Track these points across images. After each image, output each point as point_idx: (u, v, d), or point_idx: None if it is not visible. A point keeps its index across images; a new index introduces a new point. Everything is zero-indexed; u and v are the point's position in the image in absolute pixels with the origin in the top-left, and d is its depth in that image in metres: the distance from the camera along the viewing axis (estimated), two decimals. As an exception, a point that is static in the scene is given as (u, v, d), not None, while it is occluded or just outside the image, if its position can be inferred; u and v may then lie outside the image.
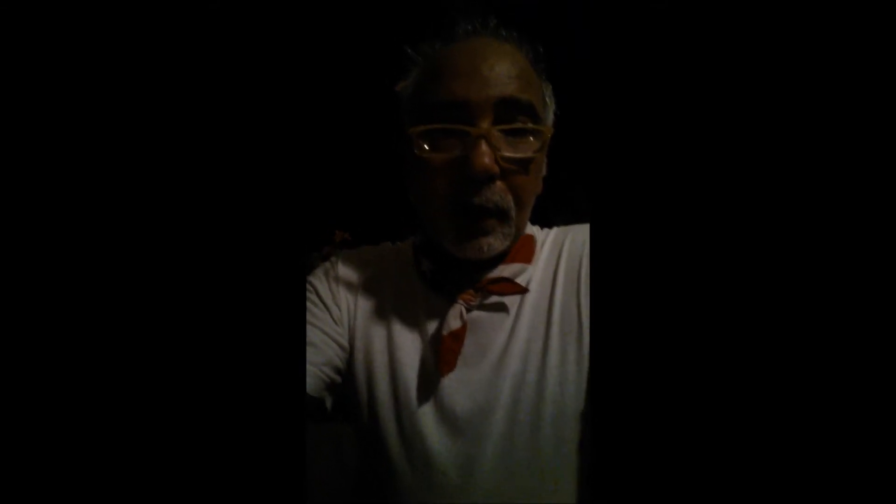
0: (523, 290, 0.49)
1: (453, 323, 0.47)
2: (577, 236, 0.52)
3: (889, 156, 0.26)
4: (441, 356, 0.47)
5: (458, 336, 0.47)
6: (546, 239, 0.54)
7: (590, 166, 0.33)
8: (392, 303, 0.53)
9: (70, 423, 0.28)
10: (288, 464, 0.30)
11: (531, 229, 0.55)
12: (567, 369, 0.46)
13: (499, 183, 0.45)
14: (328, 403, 0.50)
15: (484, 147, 0.43)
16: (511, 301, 0.50)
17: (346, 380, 0.51)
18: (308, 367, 0.46)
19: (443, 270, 0.51)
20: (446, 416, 0.47)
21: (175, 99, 0.30)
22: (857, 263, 0.26)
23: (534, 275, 0.51)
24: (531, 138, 0.46)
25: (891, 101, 0.26)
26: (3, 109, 0.28)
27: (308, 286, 0.54)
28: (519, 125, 0.45)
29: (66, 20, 0.29)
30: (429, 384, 0.48)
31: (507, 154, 0.44)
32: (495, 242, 0.46)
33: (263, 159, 0.31)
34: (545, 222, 0.57)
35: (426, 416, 0.47)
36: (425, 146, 0.45)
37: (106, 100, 0.29)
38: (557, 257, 0.51)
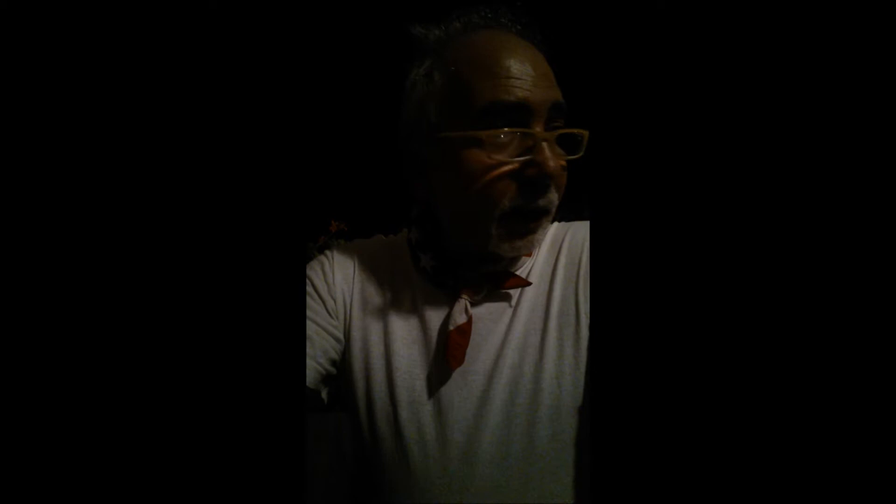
0: (526, 284, 0.50)
1: (459, 318, 0.48)
2: (578, 232, 0.53)
3: (889, 156, 0.26)
4: (449, 351, 0.47)
5: (465, 331, 0.48)
6: (546, 234, 0.54)
7: (590, 162, 0.33)
8: (389, 294, 0.53)
9: (71, 413, 0.28)
10: (286, 454, 0.30)
11: None
12: (564, 363, 0.46)
13: (552, 185, 0.45)
14: (324, 395, 0.51)
15: (549, 150, 0.43)
16: (510, 294, 0.50)
17: (343, 371, 0.52)
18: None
19: (443, 266, 0.51)
20: (443, 406, 0.47)
21: (172, 91, 0.30)
22: (855, 257, 0.27)
23: (533, 268, 0.51)
24: (578, 141, 0.46)
25: (891, 101, 0.26)
26: (3, 109, 0.28)
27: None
28: (573, 130, 0.45)
29: (65, 19, 0.29)
30: (426, 375, 0.48)
31: (565, 157, 0.45)
32: (538, 241, 0.48)
33: (260, 151, 0.31)
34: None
35: (423, 406, 0.48)
36: (474, 147, 0.44)
37: (107, 93, 0.29)
38: (557, 252, 0.52)
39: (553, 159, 0.43)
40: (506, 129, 0.43)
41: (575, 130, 0.45)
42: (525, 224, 0.46)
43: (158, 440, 0.28)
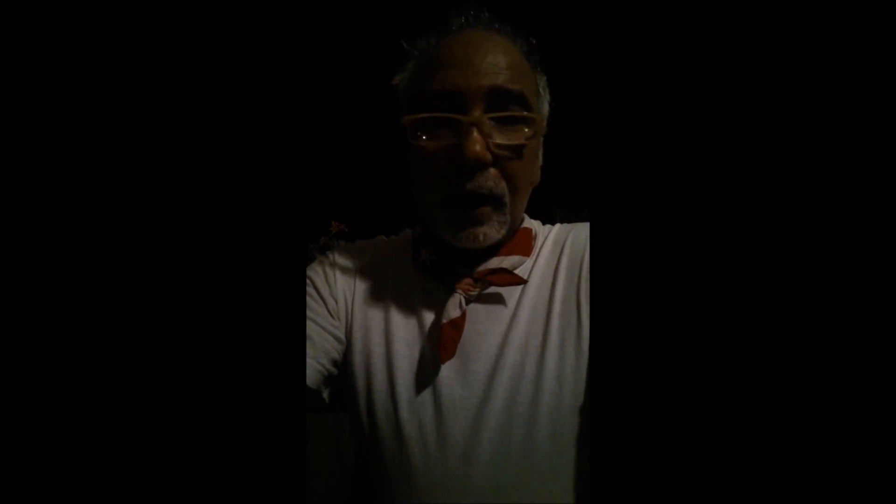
0: (521, 281, 0.50)
1: (452, 312, 0.48)
2: (580, 234, 0.53)
3: (889, 156, 0.26)
4: (441, 344, 0.47)
5: (458, 325, 0.48)
6: (548, 235, 0.55)
7: (589, 162, 0.33)
8: (390, 294, 0.53)
9: (73, 413, 0.28)
10: (287, 455, 0.30)
11: (530, 223, 0.55)
12: (565, 364, 0.46)
13: (492, 170, 0.46)
14: (325, 395, 0.51)
15: (476, 134, 0.44)
16: (510, 294, 0.50)
17: (344, 371, 0.52)
18: (306, 359, 0.46)
19: (443, 260, 0.51)
20: (444, 406, 0.47)
21: (172, 94, 0.30)
22: (855, 257, 0.27)
23: (535, 269, 0.52)
24: (524, 127, 0.47)
25: (890, 100, 0.26)
26: (3, 109, 0.28)
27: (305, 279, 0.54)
28: (510, 113, 0.46)
29: (65, 19, 0.29)
30: (427, 374, 0.48)
31: (499, 141, 0.45)
32: (490, 231, 0.47)
33: (260, 152, 0.31)
34: (546, 219, 0.58)
35: (424, 406, 0.47)
36: (420, 135, 0.46)
37: (106, 95, 0.29)
38: (559, 253, 0.52)
39: (480, 143, 0.44)
40: (431, 114, 0.45)
41: (509, 114, 0.45)
42: (465, 210, 0.46)
43: (160, 440, 0.29)
